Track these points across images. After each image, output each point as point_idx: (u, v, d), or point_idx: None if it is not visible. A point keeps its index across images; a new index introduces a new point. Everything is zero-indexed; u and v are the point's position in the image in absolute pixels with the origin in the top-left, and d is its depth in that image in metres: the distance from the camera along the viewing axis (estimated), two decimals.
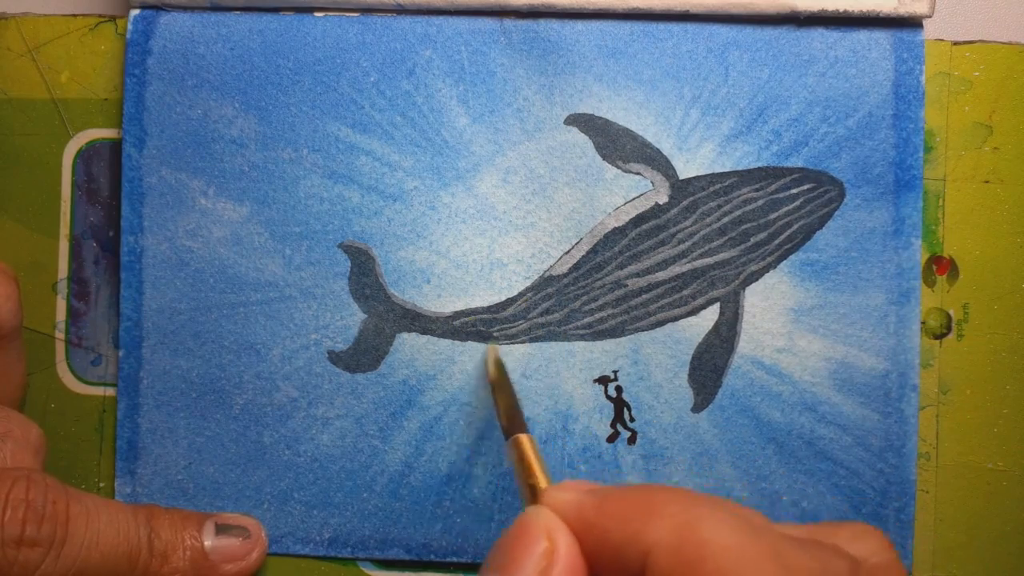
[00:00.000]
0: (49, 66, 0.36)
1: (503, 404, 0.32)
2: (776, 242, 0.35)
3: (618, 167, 0.35)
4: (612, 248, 0.35)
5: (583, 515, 0.24)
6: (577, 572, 0.24)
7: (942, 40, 0.36)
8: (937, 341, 0.36)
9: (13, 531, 0.28)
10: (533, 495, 0.27)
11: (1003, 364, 0.35)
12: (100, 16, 0.36)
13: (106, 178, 0.36)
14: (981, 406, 0.35)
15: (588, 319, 0.35)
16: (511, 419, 0.31)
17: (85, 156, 0.36)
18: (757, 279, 0.35)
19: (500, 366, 0.34)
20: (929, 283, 0.35)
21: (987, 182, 0.35)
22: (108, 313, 0.36)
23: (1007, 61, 0.35)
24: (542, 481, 0.27)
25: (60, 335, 0.36)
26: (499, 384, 0.33)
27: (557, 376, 0.35)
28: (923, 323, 0.35)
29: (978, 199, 0.35)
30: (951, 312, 0.35)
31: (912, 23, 0.35)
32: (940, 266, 0.35)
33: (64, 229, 0.36)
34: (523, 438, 0.29)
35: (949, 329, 0.35)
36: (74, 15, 0.37)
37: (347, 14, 0.36)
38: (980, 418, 0.35)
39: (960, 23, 0.37)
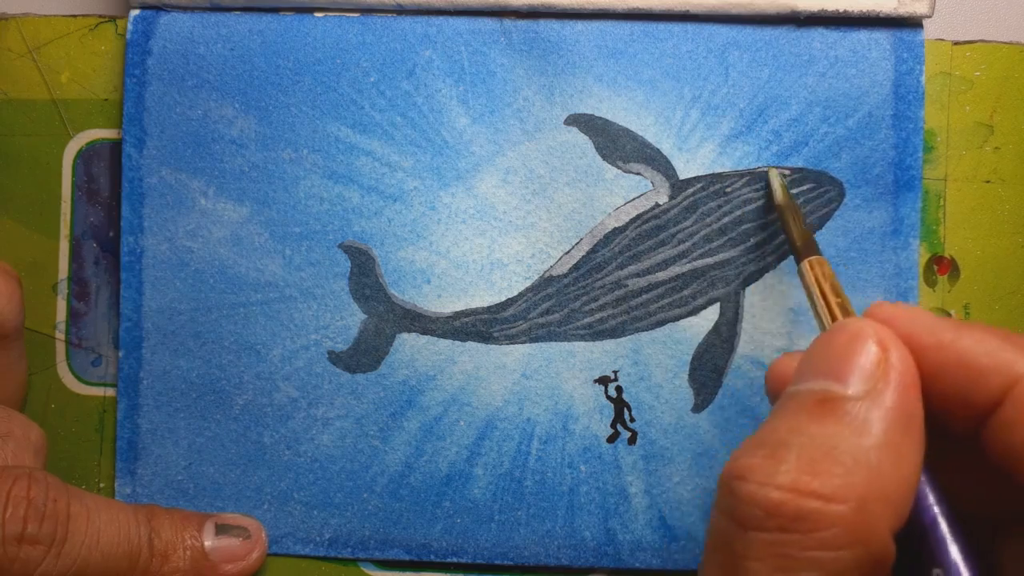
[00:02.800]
0: (49, 66, 0.36)
1: (795, 226, 0.32)
2: (776, 242, 0.35)
3: (618, 167, 0.35)
4: (612, 248, 0.35)
5: (938, 334, 0.24)
6: (913, 384, 0.23)
7: (943, 40, 0.36)
8: None
9: (14, 528, 0.28)
10: (846, 312, 0.27)
11: None
12: (100, 16, 0.36)
13: (106, 178, 0.36)
14: None
15: (588, 319, 0.35)
16: (805, 241, 0.31)
17: (85, 156, 0.36)
18: (757, 279, 0.35)
19: (787, 189, 0.34)
20: (930, 283, 0.35)
21: (988, 182, 0.35)
22: (108, 314, 0.36)
23: (1008, 61, 0.35)
24: (848, 303, 0.27)
25: (60, 336, 0.36)
26: (788, 206, 0.33)
27: (557, 376, 0.35)
28: None
29: (979, 199, 0.35)
30: (952, 312, 0.35)
31: (912, 23, 0.35)
32: (941, 266, 0.35)
33: (64, 229, 0.36)
34: (822, 259, 0.29)
35: None
36: (74, 15, 0.37)
37: (347, 14, 0.36)
38: None
39: (960, 23, 0.37)
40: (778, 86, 0.35)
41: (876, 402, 0.23)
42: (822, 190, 0.35)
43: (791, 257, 0.35)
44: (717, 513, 0.23)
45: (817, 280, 0.29)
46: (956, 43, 0.35)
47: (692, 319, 0.35)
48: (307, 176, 0.36)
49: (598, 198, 0.35)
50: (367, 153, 0.36)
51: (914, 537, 0.23)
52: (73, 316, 0.36)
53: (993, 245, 0.35)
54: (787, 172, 0.35)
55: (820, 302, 0.28)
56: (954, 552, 0.23)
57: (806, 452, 0.22)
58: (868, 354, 0.23)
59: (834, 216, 0.35)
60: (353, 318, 0.36)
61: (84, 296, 0.36)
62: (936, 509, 0.23)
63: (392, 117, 0.35)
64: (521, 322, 0.35)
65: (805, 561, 0.21)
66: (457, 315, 0.35)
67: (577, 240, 0.35)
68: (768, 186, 0.35)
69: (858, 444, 0.22)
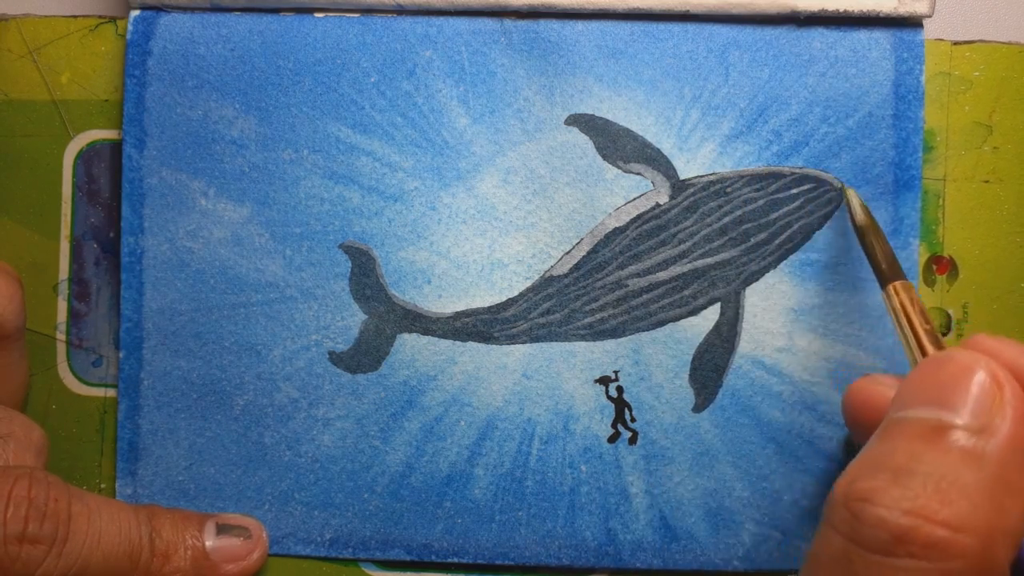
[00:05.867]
0: (50, 67, 0.36)
1: (880, 248, 0.31)
2: (776, 242, 0.35)
3: (619, 167, 0.35)
4: (613, 248, 0.35)
5: None
6: None
7: (942, 40, 0.36)
8: None
9: (15, 528, 0.28)
10: (936, 343, 0.27)
11: None
12: (100, 17, 0.36)
13: (106, 179, 0.36)
14: None
15: (589, 319, 0.35)
16: (891, 264, 0.31)
17: (86, 157, 0.36)
18: (757, 279, 0.35)
19: (867, 209, 0.33)
20: (929, 283, 0.35)
21: (987, 182, 0.35)
22: (109, 314, 0.36)
23: (1007, 61, 0.35)
24: (937, 331, 0.27)
25: (61, 336, 0.36)
26: (871, 227, 0.32)
27: (558, 376, 0.35)
28: None
29: (978, 199, 0.36)
30: (951, 312, 0.35)
31: (912, 23, 0.35)
32: (940, 266, 0.36)
33: (65, 230, 0.36)
34: (907, 284, 0.29)
35: (949, 329, 0.35)
36: (74, 16, 0.37)
37: (347, 15, 0.36)
38: None
39: (960, 23, 0.37)
40: (778, 86, 0.35)
41: (994, 436, 0.23)
42: (822, 190, 0.35)
43: (791, 257, 0.35)
44: (832, 533, 0.23)
45: (904, 306, 0.29)
46: (956, 43, 0.36)
47: (693, 319, 0.35)
48: (307, 176, 0.36)
49: (598, 198, 0.35)
50: (367, 153, 0.36)
51: (1017, 572, 0.23)
52: (74, 317, 0.36)
53: (992, 245, 0.35)
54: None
55: (908, 330, 0.28)
56: None
57: (932, 480, 0.22)
58: (983, 387, 0.23)
59: (834, 216, 0.35)
60: (354, 318, 0.36)
61: (84, 297, 0.36)
62: None
63: (392, 117, 0.35)
64: (522, 322, 0.35)
65: None
66: (458, 315, 0.35)
67: (578, 240, 0.35)
68: (848, 207, 0.34)
69: (980, 476, 0.22)
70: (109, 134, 0.36)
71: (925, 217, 0.35)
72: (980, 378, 0.24)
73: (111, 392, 0.36)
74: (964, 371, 0.24)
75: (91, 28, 0.36)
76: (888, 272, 0.30)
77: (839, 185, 0.35)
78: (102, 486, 0.36)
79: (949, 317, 0.35)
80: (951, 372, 0.24)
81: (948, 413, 0.23)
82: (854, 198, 0.34)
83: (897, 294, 0.29)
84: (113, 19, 0.36)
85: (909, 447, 0.23)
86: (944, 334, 0.35)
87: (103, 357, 0.36)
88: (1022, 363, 0.25)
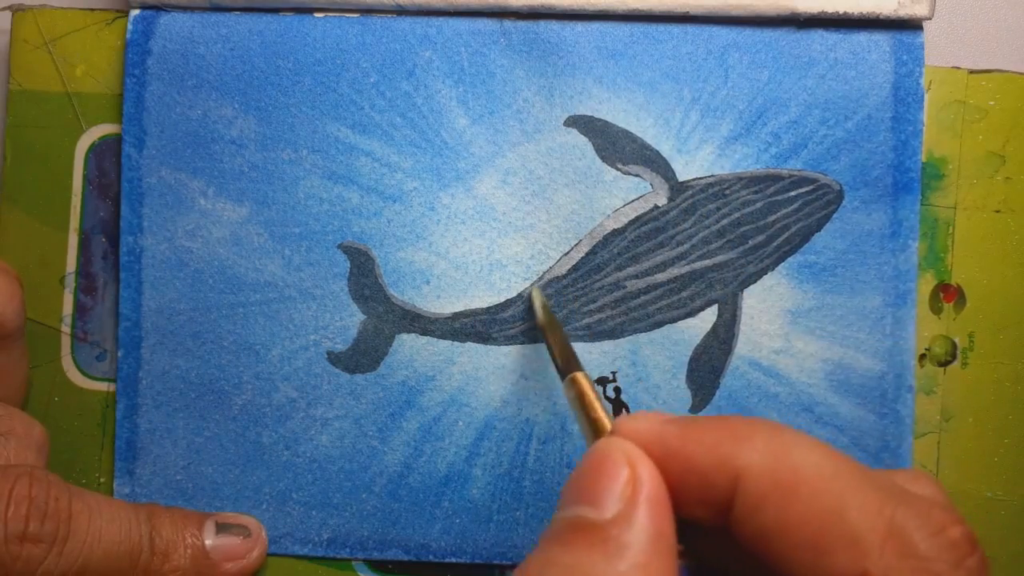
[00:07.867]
0: (65, 59, 0.36)
1: (556, 344, 0.32)
2: (774, 244, 0.35)
3: (617, 169, 0.35)
4: (611, 250, 0.35)
5: (666, 442, 0.24)
6: (662, 500, 0.23)
7: (958, 68, 0.35)
8: (941, 369, 0.35)
9: (16, 527, 0.28)
10: (599, 430, 0.27)
11: (1006, 394, 0.35)
12: (117, 11, 0.36)
13: (117, 174, 0.36)
14: (982, 435, 0.35)
15: (587, 320, 0.35)
16: (566, 358, 0.31)
17: (98, 151, 0.36)
18: (755, 281, 0.35)
19: (547, 308, 0.34)
20: (936, 311, 0.35)
21: (998, 211, 0.35)
22: (114, 309, 0.36)
23: (1023, 91, 0.35)
24: (605, 417, 0.27)
25: (66, 329, 0.36)
26: (550, 325, 0.33)
27: (556, 377, 0.35)
28: (928, 350, 0.35)
29: (988, 228, 0.35)
30: (956, 340, 0.35)
31: (912, 25, 0.35)
32: (947, 294, 0.35)
33: (74, 223, 0.37)
34: (581, 376, 0.29)
35: (954, 357, 0.35)
36: (91, 9, 0.36)
37: (347, 15, 0.36)
38: (981, 447, 0.35)
39: (960, 24, 0.37)
40: (777, 88, 0.35)
41: (628, 524, 0.22)
42: (820, 192, 0.35)
43: (789, 259, 0.35)
44: None
45: (579, 396, 0.28)
46: (972, 72, 0.35)
47: (690, 320, 0.35)
48: (307, 176, 0.36)
49: (597, 200, 0.35)
50: (367, 154, 0.36)
51: None
52: (79, 310, 0.36)
53: (1000, 275, 0.35)
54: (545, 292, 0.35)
55: (581, 420, 0.28)
56: None
57: None
58: (618, 475, 0.23)
59: (833, 218, 0.35)
60: (352, 318, 0.36)
61: (91, 290, 0.37)
62: None
63: (392, 118, 0.35)
64: (520, 323, 0.35)
65: None
66: (456, 316, 0.36)
67: (576, 242, 0.35)
68: (531, 306, 0.35)
69: (612, 569, 0.22)
70: (121, 129, 0.36)
71: (935, 245, 0.35)
72: (616, 466, 0.23)
73: (114, 387, 0.36)
74: (602, 461, 0.23)
75: (108, 22, 0.36)
76: (564, 366, 0.30)
77: (838, 187, 0.35)
78: (101, 480, 0.36)
79: (955, 346, 0.35)
80: (592, 464, 0.24)
81: (588, 507, 0.23)
82: (537, 299, 0.34)
83: (575, 385, 0.29)
84: (127, 13, 0.36)
85: (546, 552, 0.23)
86: (949, 362, 0.35)
87: (107, 351, 0.36)
88: (651, 439, 0.24)
